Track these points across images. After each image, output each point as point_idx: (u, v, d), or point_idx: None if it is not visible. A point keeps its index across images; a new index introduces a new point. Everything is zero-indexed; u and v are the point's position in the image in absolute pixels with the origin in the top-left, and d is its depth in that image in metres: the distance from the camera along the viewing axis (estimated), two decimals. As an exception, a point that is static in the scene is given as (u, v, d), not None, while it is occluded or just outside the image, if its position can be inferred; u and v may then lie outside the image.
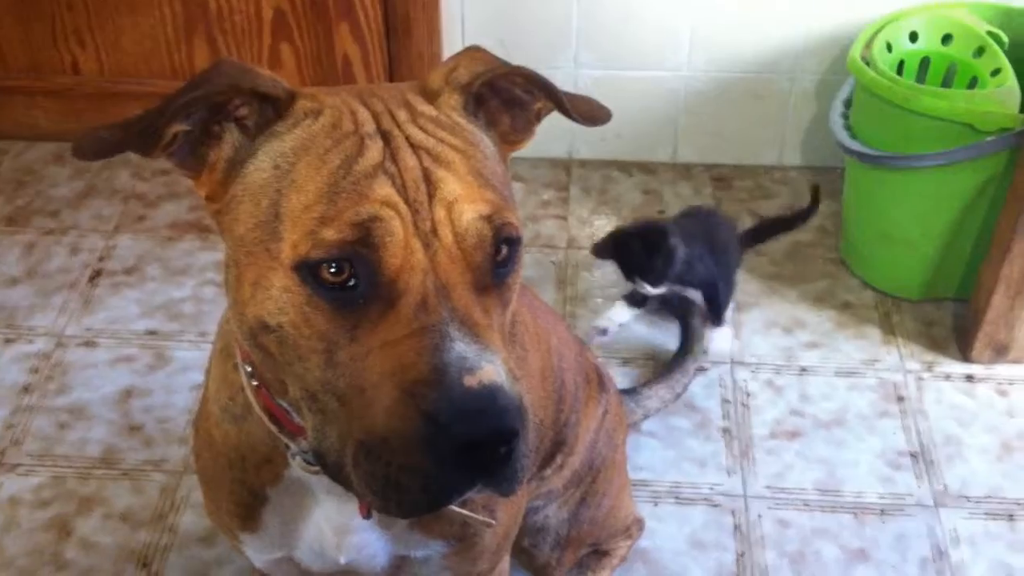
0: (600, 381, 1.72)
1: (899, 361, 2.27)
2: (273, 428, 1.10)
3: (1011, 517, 1.97)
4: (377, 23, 2.60)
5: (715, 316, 2.21)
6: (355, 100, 0.99)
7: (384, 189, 0.92)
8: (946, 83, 2.36)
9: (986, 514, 1.98)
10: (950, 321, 2.36)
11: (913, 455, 2.08)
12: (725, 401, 2.18)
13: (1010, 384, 2.22)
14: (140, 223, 2.59)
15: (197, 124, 0.96)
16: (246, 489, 1.20)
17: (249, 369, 1.10)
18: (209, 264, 2.46)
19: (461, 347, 0.90)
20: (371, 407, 0.91)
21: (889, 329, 2.34)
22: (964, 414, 2.16)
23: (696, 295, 2.19)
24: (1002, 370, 2.25)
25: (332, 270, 0.91)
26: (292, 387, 0.99)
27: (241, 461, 1.18)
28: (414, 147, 0.95)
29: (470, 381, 0.88)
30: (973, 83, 2.31)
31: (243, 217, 0.96)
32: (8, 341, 2.27)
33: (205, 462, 1.27)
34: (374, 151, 0.94)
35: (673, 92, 2.69)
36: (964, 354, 2.28)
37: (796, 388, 2.21)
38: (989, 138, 2.10)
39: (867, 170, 2.33)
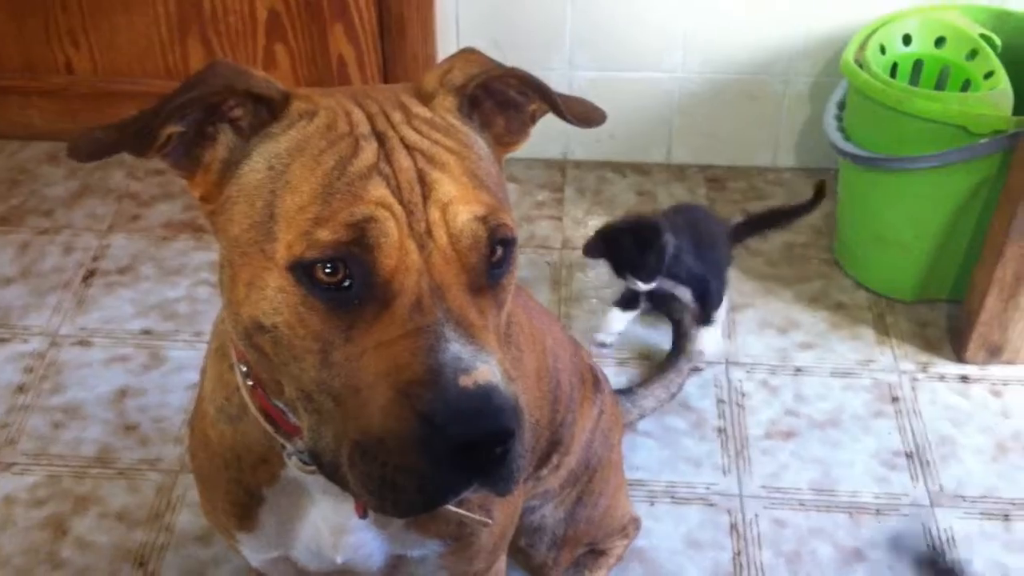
0: (595, 381, 1.72)
1: (893, 362, 2.28)
2: (269, 428, 1.10)
3: (1006, 517, 1.98)
4: (371, 24, 2.60)
5: (704, 314, 2.20)
6: (350, 101, 0.99)
7: (379, 190, 0.92)
8: (939, 86, 2.37)
9: (981, 514, 1.98)
10: (944, 322, 2.36)
11: (908, 455, 2.08)
12: (720, 401, 2.18)
13: (1004, 385, 2.23)
14: (134, 223, 2.59)
15: (192, 125, 0.96)
16: (242, 489, 1.20)
17: (244, 369, 1.10)
18: (204, 264, 2.46)
19: (456, 347, 0.90)
20: (366, 407, 0.91)
21: (883, 330, 2.35)
22: (959, 414, 2.17)
23: (684, 292, 2.19)
24: (996, 371, 2.26)
25: (327, 270, 0.91)
26: (288, 387, 0.99)
27: (237, 461, 1.18)
28: (409, 148, 0.96)
29: (465, 381, 0.89)
30: (966, 86, 2.32)
31: (238, 218, 0.96)
32: (2, 340, 2.27)
33: (201, 462, 1.27)
34: (369, 152, 0.94)
35: (667, 93, 2.69)
36: (958, 355, 2.28)
37: (791, 388, 2.22)
38: (982, 140, 2.11)
39: (860, 172, 2.33)
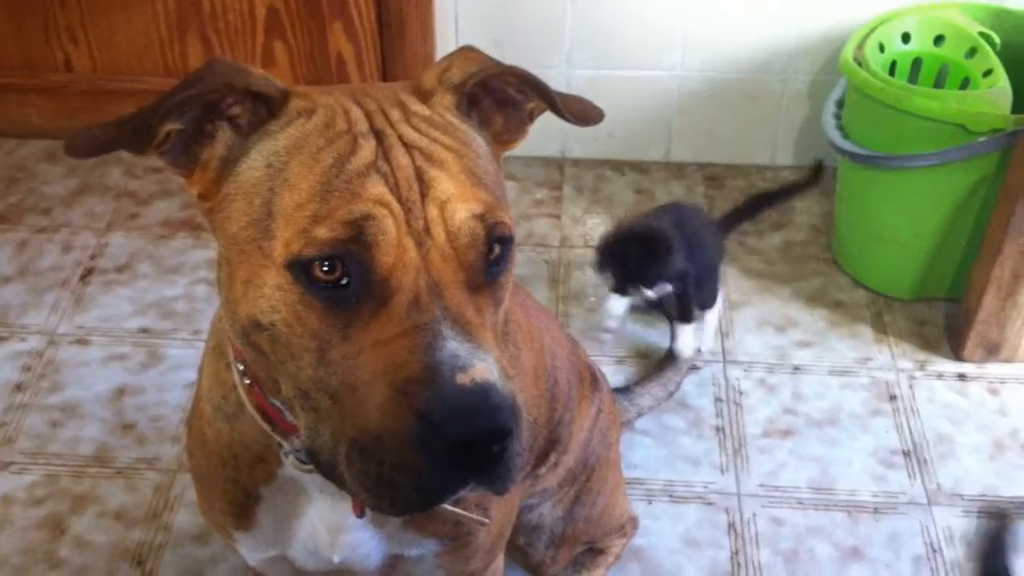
0: (593, 380, 1.72)
1: (891, 360, 2.28)
2: (266, 427, 1.10)
3: (996, 514, 1.97)
4: (371, 22, 2.60)
5: (683, 311, 2.18)
6: (348, 99, 0.99)
7: (377, 188, 0.92)
8: (938, 84, 2.37)
9: (979, 512, 1.98)
10: (942, 320, 2.36)
11: (906, 453, 2.08)
12: (718, 400, 2.18)
13: (1002, 383, 2.23)
14: (132, 221, 2.59)
15: (190, 123, 0.96)
16: (239, 488, 1.20)
17: (242, 367, 1.10)
18: (202, 262, 2.46)
19: (453, 345, 0.90)
20: (364, 405, 0.91)
21: (881, 328, 2.35)
22: (956, 413, 2.17)
23: (666, 287, 2.16)
24: (994, 369, 2.26)
25: (324, 268, 0.91)
26: (285, 385, 0.99)
27: (234, 460, 1.18)
28: (407, 146, 0.95)
29: (462, 379, 0.89)
30: (965, 84, 2.32)
31: (236, 215, 0.96)
32: (0, 339, 2.27)
33: (198, 461, 1.27)
34: (367, 150, 0.94)
35: (666, 92, 2.69)
36: (956, 353, 2.28)
37: (789, 387, 2.22)
38: (981, 139, 2.11)
39: (859, 170, 2.33)
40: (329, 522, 1.18)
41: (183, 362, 2.21)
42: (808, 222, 2.62)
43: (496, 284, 0.99)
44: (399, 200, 0.92)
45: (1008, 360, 2.26)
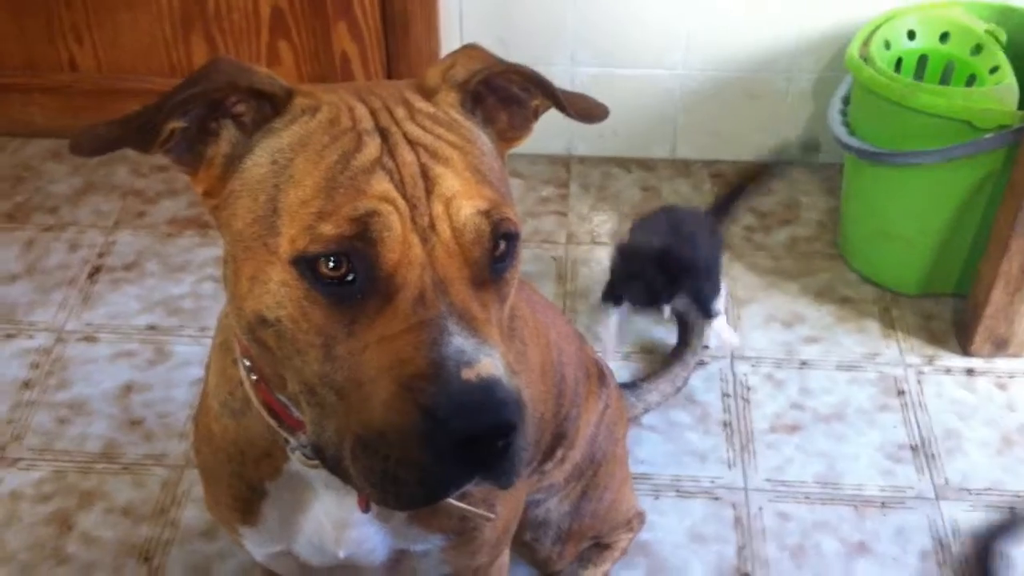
0: (600, 375, 1.72)
1: (899, 355, 2.27)
2: (272, 422, 1.10)
3: (1012, 510, 1.97)
4: (375, 20, 2.60)
5: (704, 309, 2.16)
6: (353, 97, 0.99)
7: (382, 185, 0.92)
8: (944, 81, 2.37)
9: (987, 507, 1.98)
10: (949, 315, 2.36)
11: (913, 448, 2.08)
12: (725, 395, 2.19)
13: (1010, 378, 2.23)
14: (139, 219, 2.59)
15: (194, 121, 0.97)
16: (245, 483, 1.20)
17: (248, 364, 1.10)
18: (208, 260, 2.47)
19: (459, 341, 0.90)
20: (369, 401, 0.91)
21: (889, 323, 2.35)
22: (964, 408, 2.17)
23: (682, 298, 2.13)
24: (1002, 364, 2.25)
25: (330, 265, 0.91)
26: (290, 381, 0.99)
27: (240, 455, 1.19)
28: (412, 143, 0.96)
29: (468, 375, 0.89)
30: (971, 81, 2.31)
31: (241, 212, 0.97)
32: (8, 337, 2.28)
33: (205, 456, 1.27)
34: (372, 147, 0.94)
35: (669, 91, 2.69)
36: (964, 348, 2.28)
37: (796, 382, 2.22)
38: (987, 135, 2.10)
39: (865, 167, 2.33)
40: (335, 517, 1.18)
41: (190, 359, 2.22)
42: (815, 218, 2.62)
43: (501, 280, 0.99)
44: (404, 197, 0.92)
45: (1016, 355, 2.25)
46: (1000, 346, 2.24)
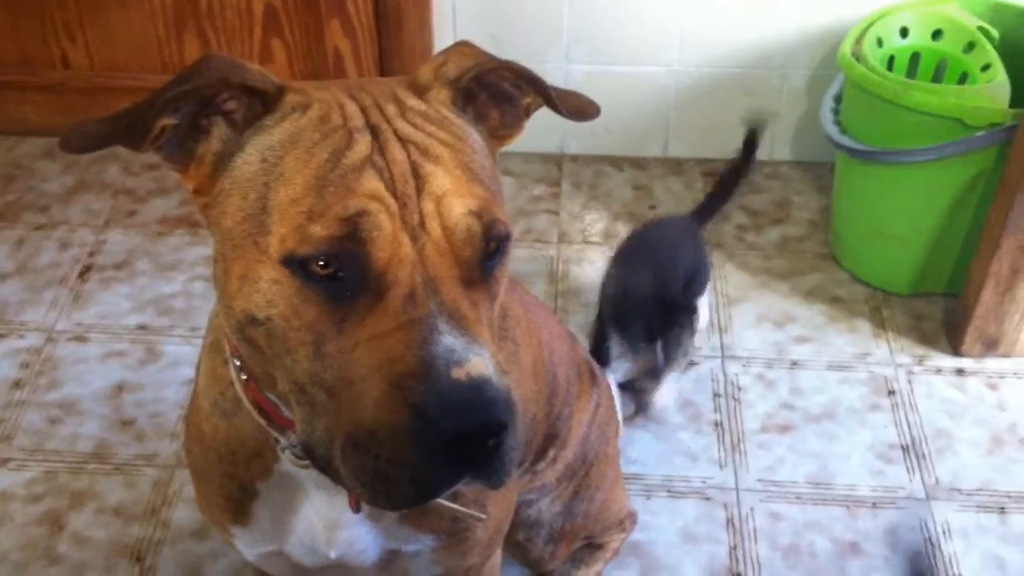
0: (591, 374, 1.72)
1: (889, 355, 2.28)
2: (262, 422, 1.10)
3: (1002, 510, 1.98)
4: (368, 17, 2.60)
5: (667, 355, 2.05)
6: (344, 94, 0.99)
7: (372, 183, 0.92)
8: (936, 78, 2.37)
9: (977, 507, 1.98)
10: (940, 315, 2.36)
11: (904, 448, 2.09)
12: (716, 395, 2.19)
13: (1000, 378, 2.23)
14: (130, 218, 2.58)
15: (185, 118, 0.96)
16: (236, 483, 1.20)
17: (238, 363, 1.10)
18: (199, 259, 2.46)
19: (449, 340, 0.90)
20: (359, 400, 0.91)
21: (879, 323, 2.35)
22: (955, 408, 2.17)
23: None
24: (992, 364, 2.26)
25: (320, 263, 0.91)
26: (280, 380, 0.99)
27: (231, 455, 1.18)
28: (402, 141, 0.95)
29: (458, 374, 0.88)
30: (963, 78, 2.32)
31: (231, 210, 0.96)
32: (-1, 336, 2.27)
33: (196, 456, 1.27)
34: (362, 145, 0.94)
35: (664, 88, 2.69)
36: (954, 348, 2.28)
37: (787, 382, 2.22)
38: (979, 133, 2.11)
39: (857, 165, 2.33)
40: (326, 518, 1.18)
41: (181, 359, 2.21)
42: (806, 217, 2.63)
43: (492, 278, 0.98)
44: (394, 195, 0.92)
45: (1006, 355, 2.26)
46: (990, 346, 2.25)
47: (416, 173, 0.94)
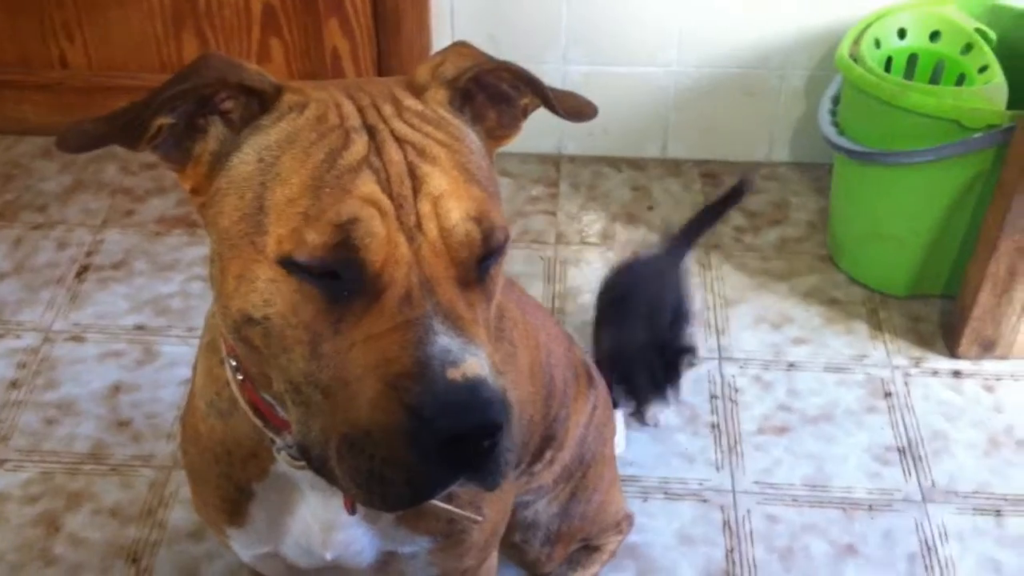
0: (589, 376, 1.72)
1: (886, 357, 2.28)
2: (258, 422, 1.10)
3: (999, 512, 1.98)
4: (366, 17, 2.60)
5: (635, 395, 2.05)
6: (341, 94, 0.99)
7: (368, 185, 0.92)
8: (934, 80, 2.37)
9: (974, 509, 1.98)
10: (937, 317, 2.36)
11: (901, 450, 2.09)
12: (713, 397, 2.18)
13: (997, 380, 2.23)
14: (128, 218, 2.58)
15: (182, 117, 0.96)
16: (232, 484, 1.19)
17: (234, 363, 1.10)
18: (197, 259, 2.46)
19: (445, 341, 0.90)
20: (354, 400, 0.91)
21: (877, 325, 2.35)
22: (951, 410, 2.17)
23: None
24: (989, 366, 2.26)
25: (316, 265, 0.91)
26: (276, 380, 0.98)
27: (227, 456, 1.18)
28: (399, 141, 0.95)
29: (454, 374, 0.88)
30: (961, 80, 2.32)
31: (228, 210, 0.96)
32: (-4, 336, 2.27)
33: (192, 457, 1.26)
34: (359, 145, 0.94)
35: (662, 89, 2.69)
36: (951, 350, 2.28)
37: (784, 383, 2.22)
38: (976, 135, 2.11)
39: (855, 166, 2.33)
40: (322, 519, 1.18)
41: (178, 359, 2.21)
42: (804, 218, 2.62)
43: (488, 279, 0.98)
44: (390, 196, 0.92)
45: (1003, 357, 2.26)
46: (987, 348, 2.25)
47: (413, 174, 0.94)
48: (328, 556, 1.20)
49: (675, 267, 2.12)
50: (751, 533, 1.94)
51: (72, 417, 2.10)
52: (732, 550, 1.91)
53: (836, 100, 2.40)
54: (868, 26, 2.35)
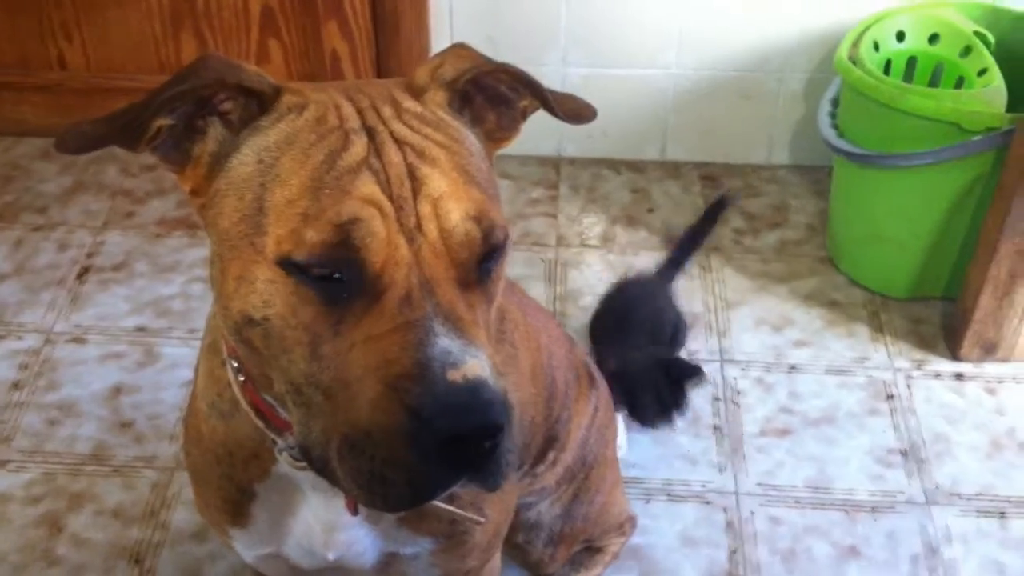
0: (590, 378, 1.72)
1: (888, 359, 2.28)
2: (260, 424, 1.10)
3: (1002, 515, 1.98)
4: (365, 19, 2.60)
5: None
6: (340, 95, 0.99)
7: (367, 186, 0.92)
8: (933, 83, 2.37)
9: (977, 512, 1.98)
10: (938, 320, 2.36)
11: (903, 453, 2.08)
12: (715, 399, 2.18)
13: (999, 382, 2.23)
14: (128, 219, 2.58)
15: (181, 118, 0.96)
16: (234, 485, 1.19)
17: (236, 364, 1.10)
18: (197, 260, 2.46)
19: (445, 342, 0.90)
20: (355, 401, 0.91)
21: (878, 327, 2.35)
22: (953, 412, 2.17)
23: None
24: (991, 368, 2.26)
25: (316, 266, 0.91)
26: (277, 381, 0.98)
27: (229, 457, 1.18)
28: (399, 143, 0.95)
29: (454, 376, 0.88)
30: (960, 83, 2.32)
31: (227, 211, 0.96)
32: (-4, 338, 2.27)
33: (194, 458, 1.26)
34: (358, 146, 0.94)
35: (662, 91, 2.69)
36: (953, 352, 2.28)
37: (786, 386, 2.22)
38: (976, 137, 2.10)
39: (854, 169, 2.33)
40: (324, 520, 1.18)
41: (179, 360, 2.21)
42: (804, 221, 2.62)
43: (488, 280, 0.98)
44: (390, 197, 0.92)
45: (1005, 359, 2.26)
46: (989, 350, 2.25)
47: (412, 175, 0.94)
48: (330, 557, 1.20)
49: (667, 288, 2.16)
50: (754, 535, 1.94)
51: (74, 418, 2.10)
52: (735, 552, 1.91)
53: (835, 103, 2.40)
54: (867, 29, 2.35)
